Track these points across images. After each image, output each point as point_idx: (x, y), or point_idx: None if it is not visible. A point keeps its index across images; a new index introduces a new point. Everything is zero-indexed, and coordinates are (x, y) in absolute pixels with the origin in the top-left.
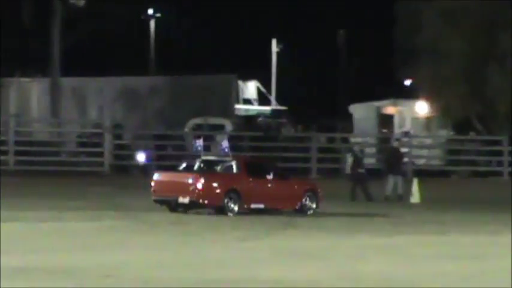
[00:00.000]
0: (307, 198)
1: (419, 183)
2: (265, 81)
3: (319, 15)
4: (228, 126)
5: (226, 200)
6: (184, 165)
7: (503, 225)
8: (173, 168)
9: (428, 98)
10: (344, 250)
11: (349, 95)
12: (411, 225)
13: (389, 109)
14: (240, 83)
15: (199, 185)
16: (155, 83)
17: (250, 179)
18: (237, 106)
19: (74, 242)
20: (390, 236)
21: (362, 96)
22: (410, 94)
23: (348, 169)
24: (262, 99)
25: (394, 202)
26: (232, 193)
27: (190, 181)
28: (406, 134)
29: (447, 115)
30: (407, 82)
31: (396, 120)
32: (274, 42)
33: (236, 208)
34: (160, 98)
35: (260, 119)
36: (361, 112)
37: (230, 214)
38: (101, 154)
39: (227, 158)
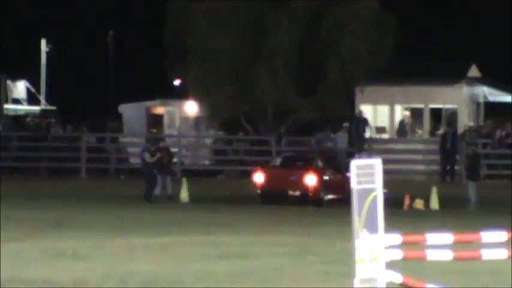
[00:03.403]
0: None
1: (188, 183)
2: (34, 81)
3: (89, 15)
4: None
5: None
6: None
7: (268, 226)
8: None
9: (197, 98)
10: (112, 250)
11: (120, 94)
12: (179, 225)
13: (159, 109)
14: (9, 82)
15: None
16: None
17: None
18: (6, 106)
19: None
20: (159, 236)
21: (132, 96)
22: (179, 94)
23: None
24: (32, 99)
25: (163, 202)
26: None
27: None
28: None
29: (215, 115)
30: (177, 82)
31: (165, 120)
32: (43, 41)
33: None
34: None
35: (29, 118)
36: (130, 112)
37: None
38: None
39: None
